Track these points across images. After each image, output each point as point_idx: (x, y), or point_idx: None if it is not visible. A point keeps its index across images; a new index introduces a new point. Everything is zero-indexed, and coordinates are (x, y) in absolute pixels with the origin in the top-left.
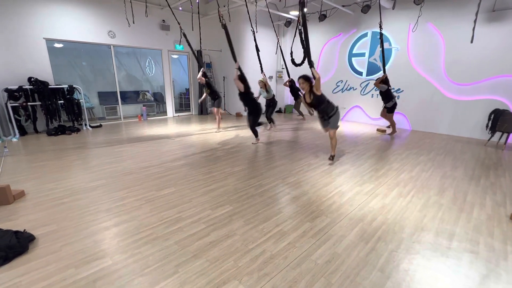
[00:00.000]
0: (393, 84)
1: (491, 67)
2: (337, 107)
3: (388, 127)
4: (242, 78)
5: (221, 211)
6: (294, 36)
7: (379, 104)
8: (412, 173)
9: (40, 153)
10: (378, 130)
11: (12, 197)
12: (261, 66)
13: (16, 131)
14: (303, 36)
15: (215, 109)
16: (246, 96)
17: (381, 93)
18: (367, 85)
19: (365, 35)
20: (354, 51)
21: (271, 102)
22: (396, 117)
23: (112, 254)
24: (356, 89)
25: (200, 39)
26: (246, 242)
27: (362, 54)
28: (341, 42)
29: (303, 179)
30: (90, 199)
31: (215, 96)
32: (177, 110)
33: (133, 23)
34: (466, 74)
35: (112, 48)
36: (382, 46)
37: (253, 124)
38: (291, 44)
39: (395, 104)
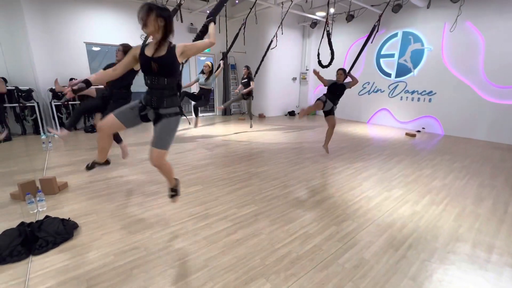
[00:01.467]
0: (425, 87)
1: None
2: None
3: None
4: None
5: (247, 210)
6: (322, 37)
7: (408, 107)
8: (445, 180)
9: (79, 148)
10: (407, 134)
11: (57, 188)
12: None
13: (58, 127)
14: (331, 37)
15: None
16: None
17: (340, 89)
18: (396, 87)
19: (395, 35)
20: (383, 52)
21: (204, 94)
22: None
23: (146, 245)
24: (384, 91)
25: (227, 42)
26: (272, 242)
27: (392, 55)
28: (369, 43)
29: (328, 182)
30: (124, 193)
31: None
32: (201, 111)
33: None
34: (507, 75)
35: None
36: (372, 31)
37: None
38: (319, 45)
39: None
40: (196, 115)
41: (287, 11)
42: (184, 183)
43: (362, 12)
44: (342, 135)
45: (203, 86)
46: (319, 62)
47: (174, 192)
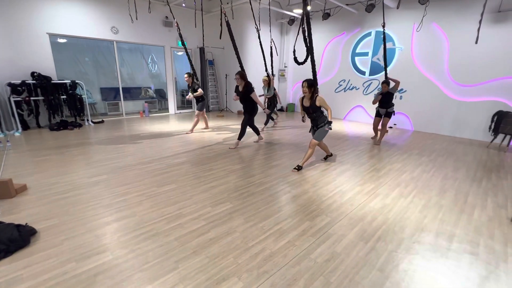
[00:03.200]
0: None
1: (495, 68)
2: (328, 122)
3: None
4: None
5: (222, 208)
6: (297, 34)
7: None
8: (413, 173)
9: (42, 148)
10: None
11: (14, 191)
12: (265, 65)
13: (19, 125)
14: (306, 34)
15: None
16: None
17: (387, 96)
18: (369, 84)
19: (369, 34)
20: (358, 50)
21: (271, 101)
22: (398, 117)
23: (112, 249)
24: (358, 88)
25: (203, 36)
26: (246, 240)
27: (366, 54)
28: (345, 41)
29: (304, 178)
30: (91, 194)
31: (199, 98)
32: (178, 107)
33: (136, 19)
34: (469, 75)
35: (115, 44)
36: (384, 45)
37: (250, 123)
38: (294, 42)
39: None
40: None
41: (269, 8)
42: (156, 183)
43: (338, 10)
44: None
45: (267, 96)
46: (295, 59)
47: (328, 156)
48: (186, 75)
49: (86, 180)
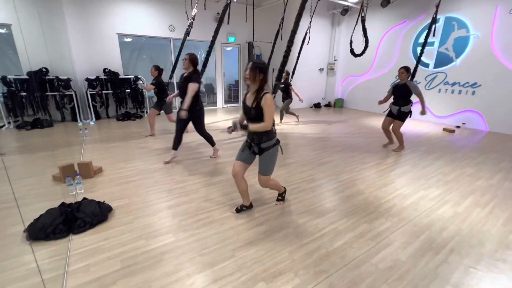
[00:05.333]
0: (468, 78)
1: None
2: (277, 140)
3: (443, 131)
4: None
5: (281, 206)
6: (356, 24)
7: (447, 100)
8: (491, 180)
9: (111, 136)
10: (444, 129)
11: (93, 172)
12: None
13: (93, 115)
14: (365, 23)
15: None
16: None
17: (403, 90)
18: (434, 78)
19: (437, 21)
20: (421, 40)
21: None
22: (469, 115)
23: (175, 232)
24: (420, 82)
25: (254, 31)
26: (301, 236)
27: (431, 43)
28: (405, 31)
29: (358, 178)
30: (154, 179)
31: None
32: (226, 101)
33: (192, 18)
34: None
35: (171, 41)
36: (428, 32)
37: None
38: (352, 33)
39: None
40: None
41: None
42: (209, 173)
43: None
44: (373, 129)
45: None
46: (351, 51)
47: (280, 197)
48: (152, 68)
49: (149, 166)
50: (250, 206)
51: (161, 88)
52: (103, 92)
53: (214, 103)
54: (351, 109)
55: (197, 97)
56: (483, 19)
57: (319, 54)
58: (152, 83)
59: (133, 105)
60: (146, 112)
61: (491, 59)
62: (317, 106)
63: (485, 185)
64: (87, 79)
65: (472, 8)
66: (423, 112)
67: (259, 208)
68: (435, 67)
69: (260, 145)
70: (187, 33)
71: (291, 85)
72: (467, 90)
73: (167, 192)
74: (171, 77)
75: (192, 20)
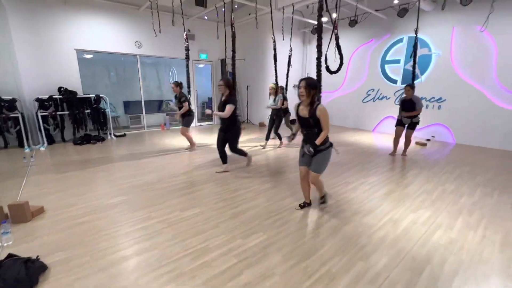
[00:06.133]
0: (434, 93)
1: None
2: (330, 143)
3: (415, 145)
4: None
5: (254, 241)
6: (330, 41)
7: None
8: (473, 197)
9: (65, 163)
10: (417, 143)
11: (30, 215)
12: (276, 75)
13: (45, 139)
14: (339, 40)
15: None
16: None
17: (410, 104)
18: (402, 93)
19: (401, 40)
20: (388, 58)
21: (276, 114)
22: (437, 128)
23: None
24: (389, 98)
25: (226, 48)
26: (290, 286)
27: (397, 61)
28: (373, 49)
29: (344, 202)
30: (109, 218)
31: (185, 112)
32: (199, 120)
33: (159, 32)
34: None
35: (138, 58)
36: (415, 50)
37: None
38: (326, 49)
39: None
40: (280, 138)
41: (292, 17)
42: (179, 205)
43: (366, 17)
44: (348, 145)
45: (271, 107)
46: (327, 68)
47: (322, 200)
48: (173, 84)
49: (105, 202)
50: (309, 204)
51: (188, 105)
52: (57, 113)
53: None
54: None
55: (234, 117)
56: (442, 39)
57: (292, 71)
58: (183, 101)
59: (94, 126)
60: (110, 133)
61: (452, 75)
62: (292, 122)
63: (469, 203)
64: (38, 99)
65: (431, 28)
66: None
67: (238, 251)
68: (402, 83)
69: (316, 148)
70: (187, 55)
71: (286, 100)
72: (433, 105)
73: (124, 236)
74: (189, 92)
75: (186, 42)
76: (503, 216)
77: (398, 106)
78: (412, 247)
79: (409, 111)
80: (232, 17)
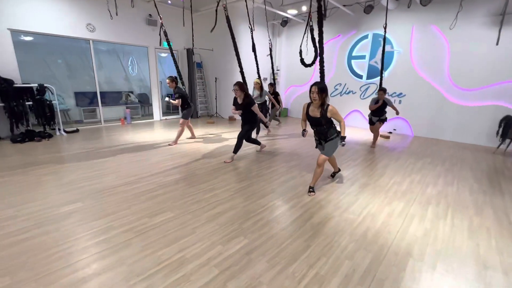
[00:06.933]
0: (395, 89)
1: (498, 72)
2: (341, 137)
3: (380, 137)
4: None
5: (235, 247)
6: (305, 33)
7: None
8: (437, 186)
9: (2, 165)
10: (381, 136)
11: None
12: (257, 67)
13: None
14: (317, 33)
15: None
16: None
17: (382, 105)
18: (367, 88)
19: (366, 36)
20: (354, 54)
21: (262, 108)
22: (397, 122)
23: None
24: (355, 92)
25: (193, 37)
26: None
27: (363, 57)
28: (340, 44)
29: (322, 197)
30: (61, 232)
31: (184, 105)
32: (164, 113)
33: (116, 15)
34: (471, 79)
35: (91, 43)
36: (383, 49)
37: (247, 137)
38: (301, 42)
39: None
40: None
41: (265, 7)
42: (147, 210)
43: (334, 12)
44: None
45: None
46: (302, 60)
47: (335, 173)
48: (168, 80)
49: (55, 211)
50: (338, 171)
51: (184, 98)
52: None
53: (150, 115)
54: (296, 117)
55: (254, 113)
56: (403, 37)
57: (261, 64)
58: (176, 97)
59: (38, 121)
60: (59, 129)
61: (411, 71)
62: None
63: (435, 192)
64: None
65: (393, 26)
66: (397, 112)
67: (218, 260)
68: (367, 78)
69: (327, 139)
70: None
71: (279, 95)
72: (394, 99)
73: (81, 252)
74: (182, 83)
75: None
76: (464, 204)
77: (363, 101)
78: (392, 241)
79: (379, 112)
80: None
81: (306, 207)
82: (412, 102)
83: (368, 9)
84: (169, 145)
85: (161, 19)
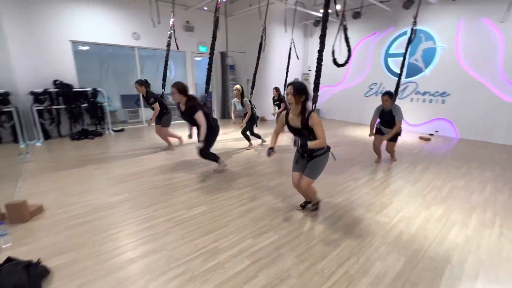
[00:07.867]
0: (438, 87)
1: None
2: (328, 148)
3: (419, 140)
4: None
5: (265, 241)
6: (337, 33)
7: (419, 109)
8: (484, 193)
9: (63, 159)
10: (420, 138)
11: (28, 215)
12: (287, 69)
13: (41, 135)
14: (347, 32)
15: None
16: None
17: (389, 115)
18: (406, 87)
19: (405, 33)
20: (391, 51)
21: (250, 119)
22: (440, 123)
23: None
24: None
25: (227, 41)
26: None
27: (401, 54)
28: (376, 42)
29: (353, 199)
30: (113, 217)
31: (163, 110)
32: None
33: (158, 23)
34: None
35: (136, 50)
36: (407, 47)
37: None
38: (334, 42)
39: None
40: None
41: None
42: (185, 203)
43: (370, 9)
44: (352, 140)
45: (241, 112)
46: (334, 60)
47: (315, 207)
48: (136, 84)
49: (107, 200)
50: (310, 202)
51: (160, 102)
52: (54, 107)
53: None
54: (328, 119)
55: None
56: (448, 32)
57: (293, 64)
58: (152, 102)
59: (92, 121)
60: (108, 128)
61: (457, 69)
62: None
63: (481, 200)
64: (33, 93)
65: (437, 21)
66: (398, 134)
67: (249, 252)
68: (406, 77)
69: (312, 154)
70: (168, 45)
71: (284, 101)
72: (437, 99)
73: (130, 236)
74: (164, 86)
75: (172, 31)
76: None
77: (400, 100)
78: (429, 246)
79: (389, 123)
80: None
81: (336, 208)
82: (458, 101)
83: (408, 4)
84: (165, 149)
85: (173, 23)
